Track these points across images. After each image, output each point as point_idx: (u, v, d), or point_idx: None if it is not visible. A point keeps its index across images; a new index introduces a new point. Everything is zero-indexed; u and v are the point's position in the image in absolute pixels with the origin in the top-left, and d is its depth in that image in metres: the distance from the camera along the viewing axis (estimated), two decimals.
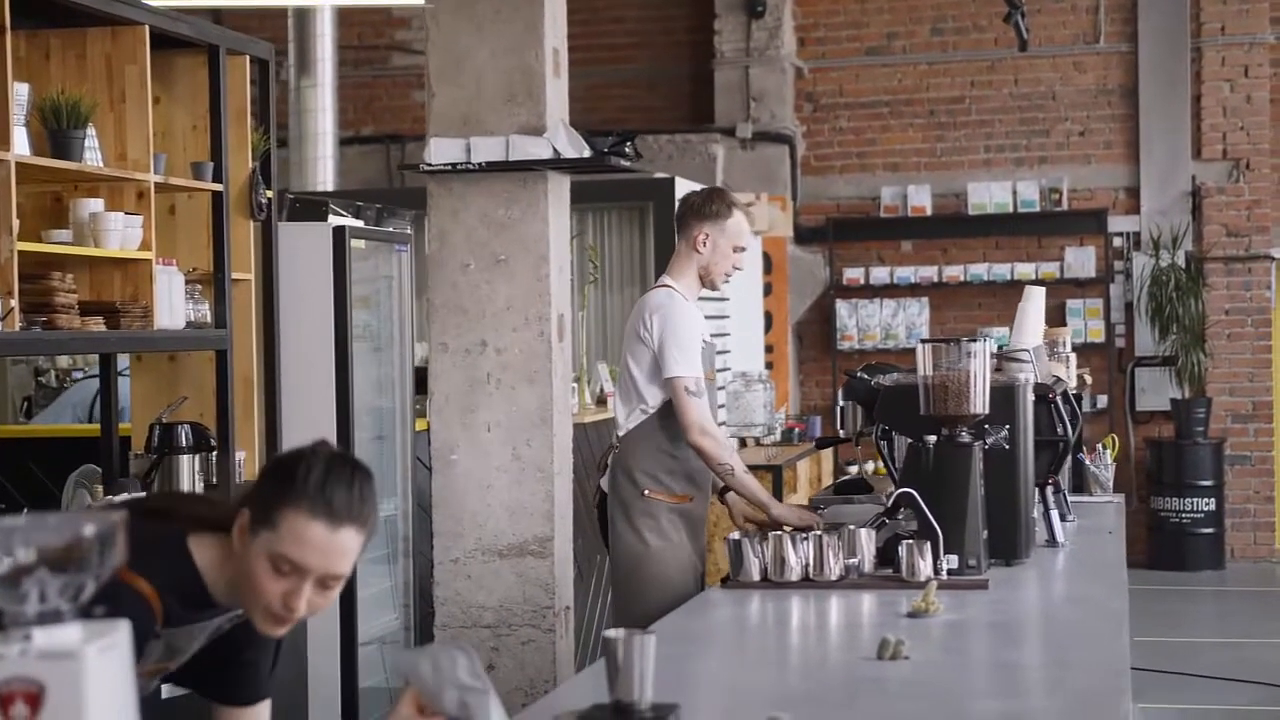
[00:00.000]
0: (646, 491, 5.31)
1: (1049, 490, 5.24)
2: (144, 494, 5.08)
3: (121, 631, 1.83)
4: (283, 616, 2.74)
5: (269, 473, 2.79)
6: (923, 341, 4.61)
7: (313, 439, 2.85)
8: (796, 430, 11.04)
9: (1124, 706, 3.08)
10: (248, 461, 5.99)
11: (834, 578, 4.36)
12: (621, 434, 5.38)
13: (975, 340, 4.55)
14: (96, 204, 5.18)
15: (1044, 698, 3.26)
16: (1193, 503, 12.47)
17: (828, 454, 11.21)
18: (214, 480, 5.75)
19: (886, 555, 4.48)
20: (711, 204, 5.35)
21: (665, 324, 5.20)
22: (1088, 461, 6.49)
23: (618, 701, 2.82)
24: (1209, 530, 12.51)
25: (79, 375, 8.32)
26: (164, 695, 4.69)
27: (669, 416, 5.23)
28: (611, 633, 2.80)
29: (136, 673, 2.76)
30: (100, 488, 5.61)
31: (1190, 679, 8.75)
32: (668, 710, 2.85)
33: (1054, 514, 5.18)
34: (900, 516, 4.56)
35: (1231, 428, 12.83)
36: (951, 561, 4.41)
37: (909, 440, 4.68)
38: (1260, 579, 12.34)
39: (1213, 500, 12.50)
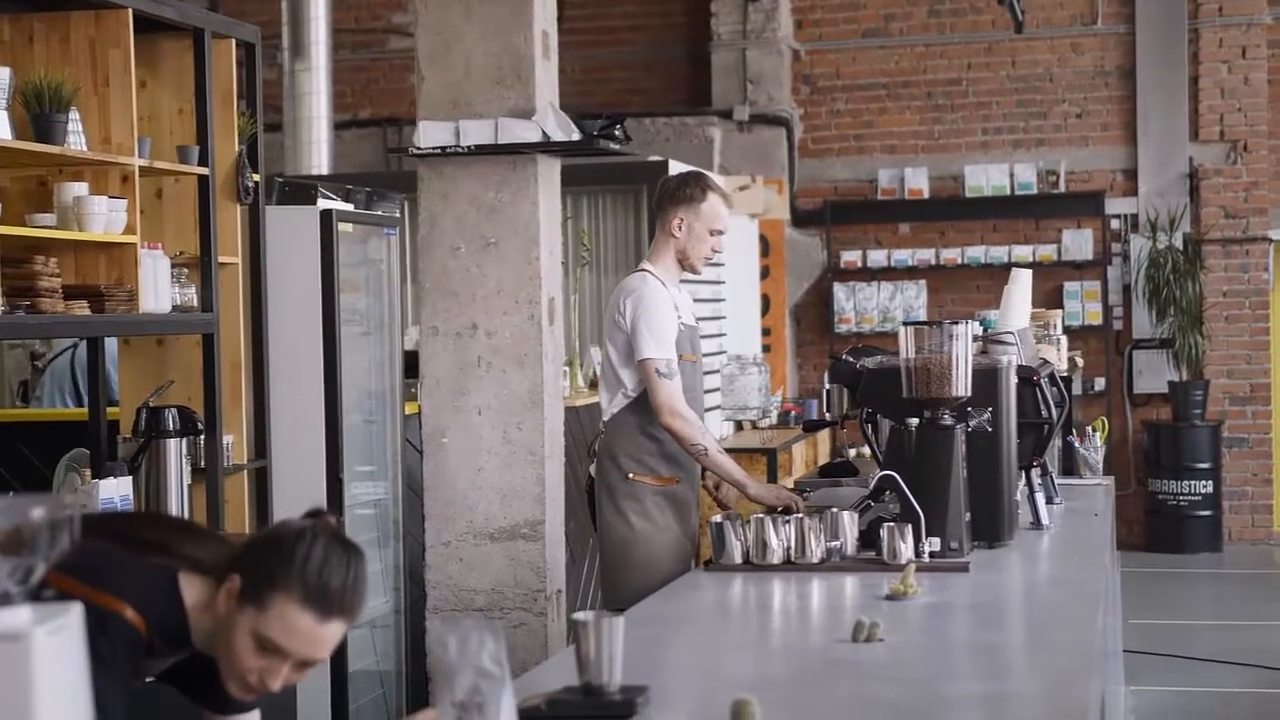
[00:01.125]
0: (631, 475, 5.32)
1: (1034, 473, 5.23)
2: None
3: (72, 614, 1.83)
4: (253, 686, 2.77)
5: (265, 545, 2.78)
6: (905, 324, 4.62)
7: (308, 508, 2.85)
8: (793, 413, 11.04)
9: (1093, 687, 3.08)
10: (235, 445, 5.99)
11: (815, 560, 4.37)
12: (605, 419, 5.40)
13: (957, 323, 4.55)
14: (80, 188, 5.17)
15: (1015, 679, 3.27)
16: (1190, 485, 12.47)
17: (824, 437, 11.21)
18: (202, 464, 5.76)
19: (870, 538, 4.48)
20: (686, 188, 5.35)
21: (637, 307, 5.22)
22: (1077, 444, 6.48)
23: (587, 683, 2.83)
24: (1207, 513, 12.51)
25: None
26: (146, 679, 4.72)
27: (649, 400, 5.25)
28: (580, 616, 2.81)
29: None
30: (88, 471, 5.62)
31: (1184, 661, 8.76)
32: (636, 692, 2.86)
33: (1039, 496, 5.18)
34: (885, 499, 4.56)
35: (1229, 410, 12.83)
36: (934, 544, 4.41)
37: (892, 423, 4.68)
38: (1258, 561, 12.33)
39: (1210, 483, 12.50)
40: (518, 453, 5.83)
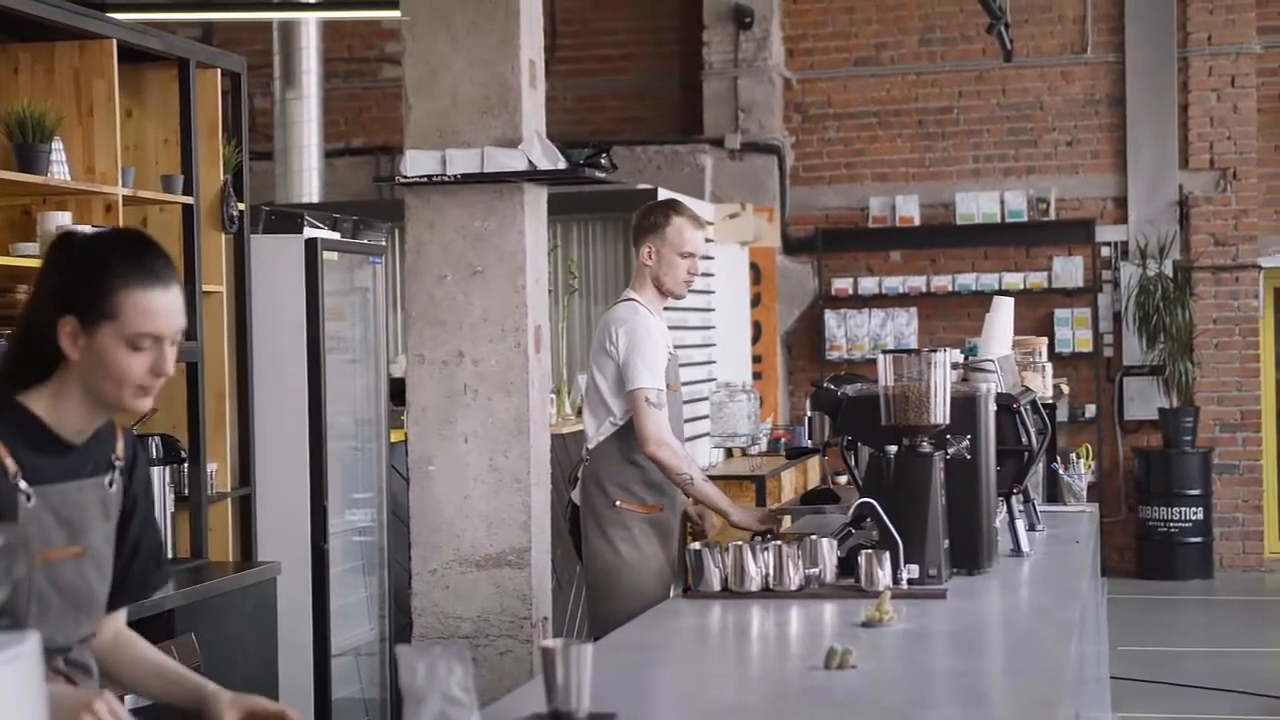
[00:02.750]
0: (618, 502, 5.35)
1: (1015, 500, 5.24)
2: None
3: (28, 644, 1.84)
4: (149, 386, 2.86)
5: (70, 272, 2.85)
6: (884, 352, 4.63)
7: (67, 230, 3.00)
8: (783, 440, 11.04)
9: (1064, 714, 3.09)
10: (219, 473, 6.00)
11: (794, 588, 4.37)
12: (591, 446, 5.42)
13: (936, 351, 4.56)
14: (64, 217, 5.19)
15: (987, 706, 3.27)
16: (1181, 512, 12.47)
17: (815, 464, 11.21)
18: (185, 492, 5.77)
19: (850, 565, 4.48)
20: (651, 216, 5.42)
21: (630, 337, 5.26)
22: (1061, 471, 6.48)
23: (555, 711, 2.83)
24: (1197, 539, 12.52)
25: None
26: (129, 706, 4.72)
27: None
28: (548, 643, 2.82)
29: (50, 559, 2.80)
30: None
31: (1173, 688, 8.76)
32: (605, 719, 2.87)
33: (1019, 524, 5.18)
34: (865, 526, 4.56)
35: (1219, 437, 12.84)
36: (912, 571, 4.41)
37: (871, 450, 4.69)
38: (1248, 588, 12.33)
39: (1201, 509, 12.51)
40: (504, 480, 5.83)
